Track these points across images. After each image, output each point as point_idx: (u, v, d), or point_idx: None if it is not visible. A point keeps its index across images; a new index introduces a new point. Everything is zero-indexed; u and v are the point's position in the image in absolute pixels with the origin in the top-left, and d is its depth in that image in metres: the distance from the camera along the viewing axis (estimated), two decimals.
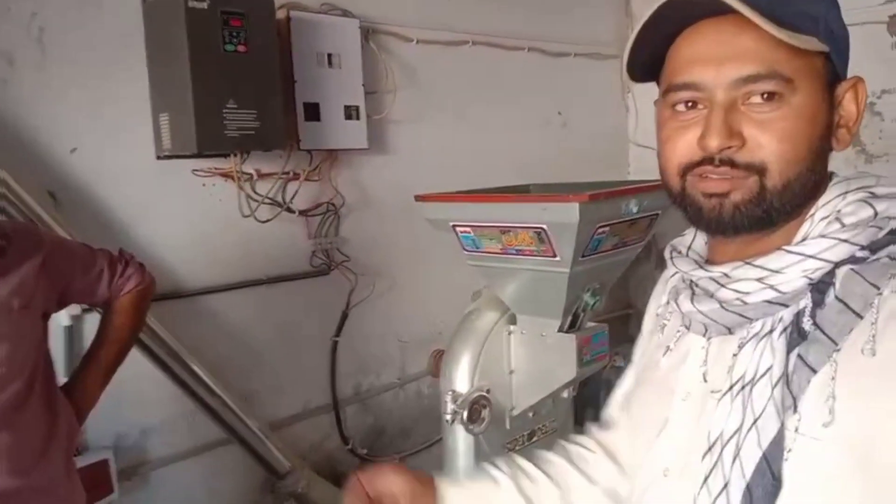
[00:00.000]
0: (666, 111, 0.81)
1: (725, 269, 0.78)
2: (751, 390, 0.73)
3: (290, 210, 2.66)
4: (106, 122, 2.21)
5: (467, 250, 2.32)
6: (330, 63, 2.67)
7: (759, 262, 0.75)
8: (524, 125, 3.55)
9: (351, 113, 2.74)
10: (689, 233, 0.91)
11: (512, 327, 2.33)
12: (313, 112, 2.63)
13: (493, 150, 3.32)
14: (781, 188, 0.74)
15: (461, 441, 2.30)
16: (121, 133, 2.25)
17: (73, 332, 2.08)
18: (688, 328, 0.85)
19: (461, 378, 2.25)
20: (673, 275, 0.90)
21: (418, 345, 3.09)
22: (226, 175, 2.45)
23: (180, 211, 2.39)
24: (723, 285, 0.78)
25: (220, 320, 2.52)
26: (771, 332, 0.74)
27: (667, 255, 0.93)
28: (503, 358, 2.33)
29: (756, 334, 0.75)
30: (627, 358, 3.95)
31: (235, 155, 2.32)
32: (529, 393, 2.34)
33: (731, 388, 0.75)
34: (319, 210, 2.78)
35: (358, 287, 2.90)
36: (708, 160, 0.75)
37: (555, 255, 2.05)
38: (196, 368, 2.30)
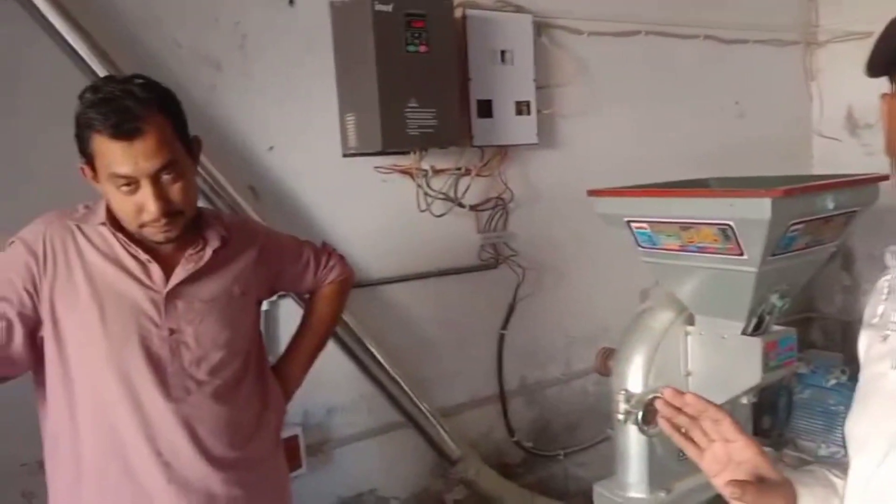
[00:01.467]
0: None
1: None
2: None
3: (461, 205, 2.73)
4: (298, 121, 2.38)
5: (643, 247, 2.26)
6: (503, 59, 2.70)
7: None
8: (699, 116, 3.41)
9: (522, 108, 2.77)
10: None
11: (689, 328, 2.25)
12: (486, 109, 2.68)
13: (665, 144, 3.22)
14: None
15: (634, 442, 2.25)
16: (311, 132, 2.40)
17: (268, 316, 2.25)
18: None
19: (634, 378, 2.21)
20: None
21: (584, 341, 3.07)
22: (404, 171, 2.56)
23: (362, 205, 2.52)
24: None
25: (395, 309, 2.64)
26: None
27: (890, 260, 0.87)
28: (679, 359, 2.25)
29: None
30: (811, 364, 3.69)
31: (415, 152, 2.41)
32: (707, 396, 2.23)
33: None
34: (489, 205, 2.83)
35: (525, 281, 2.92)
36: None
37: (741, 254, 1.95)
38: (376, 353, 2.42)
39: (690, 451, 1.00)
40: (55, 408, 1.32)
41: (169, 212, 1.26)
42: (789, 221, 1.87)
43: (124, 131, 1.19)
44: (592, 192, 2.32)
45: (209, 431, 1.36)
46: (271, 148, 2.34)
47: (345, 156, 2.46)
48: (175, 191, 1.27)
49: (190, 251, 1.37)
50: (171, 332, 1.33)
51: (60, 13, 1.90)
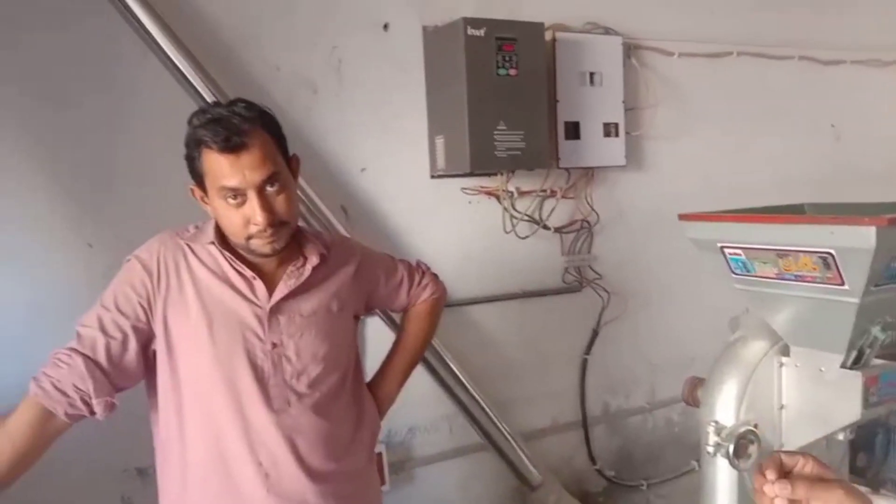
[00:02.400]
0: None
1: None
2: None
3: (546, 227, 2.72)
4: (389, 144, 2.44)
5: (736, 274, 2.20)
6: (591, 81, 2.70)
7: None
8: (793, 140, 3.31)
9: (610, 130, 2.75)
10: None
11: (784, 359, 2.17)
12: (573, 131, 2.68)
13: (757, 167, 3.14)
14: None
15: (723, 476, 2.18)
16: (401, 154, 2.46)
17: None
18: None
19: (725, 409, 2.14)
20: None
21: (669, 369, 3.00)
22: (490, 193, 2.58)
23: (449, 226, 2.55)
24: None
25: (478, 330, 2.65)
26: None
27: None
28: (773, 391, 2.17)
29: None
30: None
31: (501, 174, 2.43)
32: (802, 432, 2.16)
33: None
34: (573, 227, 2.82)
35: (609, 305, 2.89)
36: None
37: (842, 283, 1.88)
38: (459, 373, 2.44)
39: None
40: (165, 416, 1.39)
41: (274, 222, 1.32)
42: (895, 251, 1.79)
43: (232, 145, 1.27)
44: (684, 217, 2.27)
45: (307, 443, 1.40)
46: (363, 169, 2.41)
47: (433, 177, 2.50)
48: (279, 202, 1.33)
49: (291, 268, 1.42)
50: (274, 345, 1.38)
51: (167, 35, 2.02)
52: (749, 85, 3.19)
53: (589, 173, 2.81)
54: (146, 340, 1.36)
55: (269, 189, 1.31)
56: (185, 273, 1.38)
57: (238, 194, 1.29)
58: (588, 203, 2.83)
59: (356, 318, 1.59)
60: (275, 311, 1.39)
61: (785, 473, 0.87)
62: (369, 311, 1.71)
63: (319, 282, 1.46)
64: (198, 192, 1.37)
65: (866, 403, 2.01)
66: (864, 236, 1.74)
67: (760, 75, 3.22)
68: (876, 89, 3.61)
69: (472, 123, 2.27)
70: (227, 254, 1.38)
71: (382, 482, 2.26)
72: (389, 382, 1.67)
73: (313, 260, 1.44)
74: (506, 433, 2.52)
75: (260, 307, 1.38)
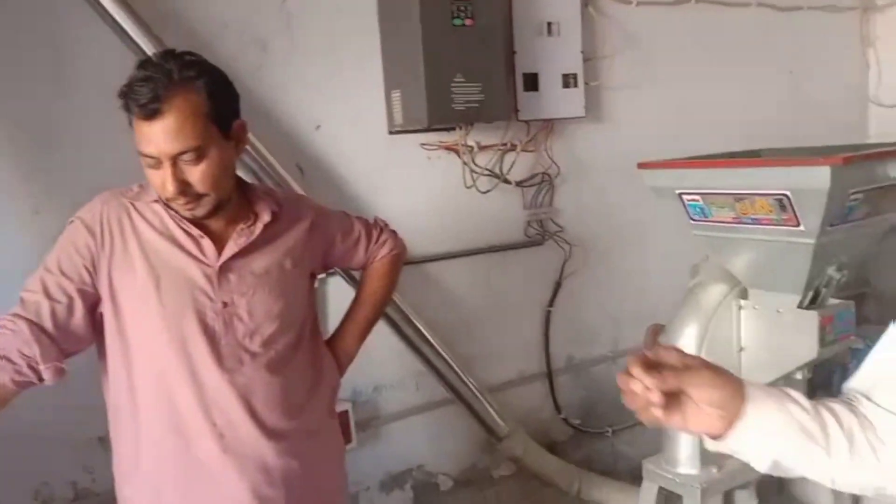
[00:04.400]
0: None
1: None
2: None
3: (506, 181, 2.71)
4: (344, 100, 2.39)
5: (694, 220, 2.21)
6: (549, 31, 2.67)
7: None
8: (751, 87, 3.32)
9: (569, 81, 2.72)
10: None
11: (742, 302, 2.20)
12: (532, 82, 2.65)
13: (716, 115, 3.14)
14: None
15: None
16: (357, 110, 2.41)
17: (318, 293, 2.27)
18: None
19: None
20: None
21: (632, 318, 3.03)
22: (450, 148, 2.55)
23: (409, 183, 2.52)
24: None
25: (441, 286, 2.64)
26: None
27: None
28: (732, 334, 2.21)
29: None
30: (867, 339, 3.56)
31: (461, 128, 2.40)
32: (761, 372, 2.20)
33: None
34: (534, 180, 2.81)
35: (571, 257, 2.90)
36: None
37: (798, 225, 1.90)
38: (424, 330, 2.43)
39: (676, 420, 0.88)
40: (116, 380, 1.36)
41: (186, 192, 1.27)
42: (849, 190, 1.81)
43: (147, 112, 1.21)
44: (643, 165, 2.28)
45: (263, 402, 1.38)
46: (318, 127, 2.36)
47: (391, 133, 2.46)
48: (195, 173, 1.27)
49: (241, 226, 1.39)
50: (225, 305, 1.36)
51: None
52: (708, 33, 3.18)
53: (549, 125, 2.79)
54: (93, 303, 1.32)
55: (184, 158, 1.25)
56: (130, 232, 1.34)
57: (153, 160, 1.25)
58: (548, 156, 2.81)
59: (312, 276, 1.57)
60: (225, 269, 1.36)
61: (651, 368, 0.86)
62: (327, 269, 1.68)
63: (272, 239, 1.43)
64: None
65: (823, 342, 2.05)
66: (819, 176, 1.75)
67: (719, 23, 3.21)
68: (832, 35, 3.63)
69: (429, 76, 2.22)
70: (172, 212, 1.34)
71: (349, 440, 2.26)
72: (349, 339, 1.65)
73: (264, 217, 1.40)
74: (472, 387, 2.54)
75: (209, 266, 1.35)
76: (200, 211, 1.32)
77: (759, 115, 3.23)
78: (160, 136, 1.22)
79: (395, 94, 2.37)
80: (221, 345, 1.35)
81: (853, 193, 1.82)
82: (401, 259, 1.73)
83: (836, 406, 0.90)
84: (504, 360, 2.83)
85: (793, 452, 0.87)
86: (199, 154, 1.26)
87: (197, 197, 1.29)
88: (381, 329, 2.39)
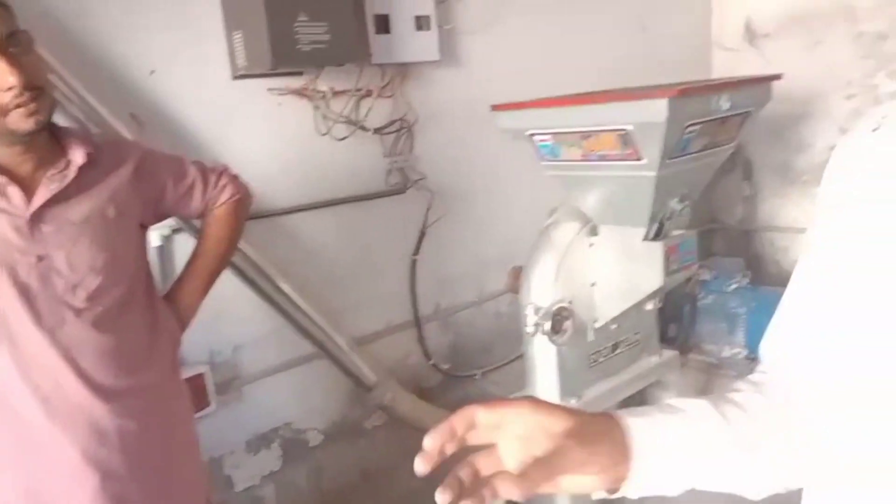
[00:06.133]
0: None
1: None
2: None
3: (363, 128, 2.63)
4: (181, 43, 2.21)
5: (546, 160, 2.25)
6: None
7: None
8: (602, 30, 3.39)
9: (421, 24, 2.66)
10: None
11: (593, 238, 2.27)
12: (383, 24, 2.56)
13: (569, 58, 3.19)
14: None
15: (543, 354, 2.29)
16: (196, 54, 2.24)
17: (163, 252, 2.14)
18: None
19: (542, 291, 2.22)
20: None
21: (496, 262, 3.07)
22: (300, 93, 2.43)
23: (258, 131, 2.39)
24: None
25: (301, 240, 2.55)
26: None
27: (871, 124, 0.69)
28: (585, 270, 2.28)
29: None
30: (714, 270, 3.81)
31: (310, 72, 2.29)
32: (613, 304, 2.30)
33: None
34: (393, 127, 2.75)
35: (434, 205, 2.88)
36: None
37: (640, 158, 1.97)
38: (283, 286, 2.35)
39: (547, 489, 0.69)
40: None
41: (30, 85, 1.15)
42: (685, 122, 1.88)
43: None
44: (495, 107, 2.29)
45: (91, 361, 1.28)
46: (153, 72, 2.18)
47: (235, 78, 2.32)
48: (30, 63, 1.16)
49: (53, 171, 1.26)
50: (40, 258, 1.24)
51: None
52: None
53: (404, 70, 2.73)
54: None
55: (13, 49, 1.13)
56: None
57: None
58: (406, 101, 2.76)
59: (143, 226, 1.45)
60: (37, 219, 1.23)
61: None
62: (160, 219, 1.56)
63: (90, 185, 1.31)
64: None
65: (668, 270, 2.15)
66: (657, 109, 1.81)
67: None
68: None
69: (270, 15, 2.09)
70: None
71: (206, 404, 2.16)
72: (190, 292, 1.56)
73: (77, 160, 1.28)
74: (336, 340, 2.49)
75: (18, 216, 1.22)
76: (43, 115, 1.19)
77: (610, 59, 3.30)
78: None
79: (237, 36, 2.22)
80: (38, 302, 1.23)
81: (689, 126, 1.90)
82: (244, 205, 1.64)
83: (740, 396, 0.78)
84: (371, 310, 2.79)
85: (705, 473, 0.75)
86: (25, 44, 1.15)
87: (39, 95, 1.16)
88: (237, 287, 2.29)
